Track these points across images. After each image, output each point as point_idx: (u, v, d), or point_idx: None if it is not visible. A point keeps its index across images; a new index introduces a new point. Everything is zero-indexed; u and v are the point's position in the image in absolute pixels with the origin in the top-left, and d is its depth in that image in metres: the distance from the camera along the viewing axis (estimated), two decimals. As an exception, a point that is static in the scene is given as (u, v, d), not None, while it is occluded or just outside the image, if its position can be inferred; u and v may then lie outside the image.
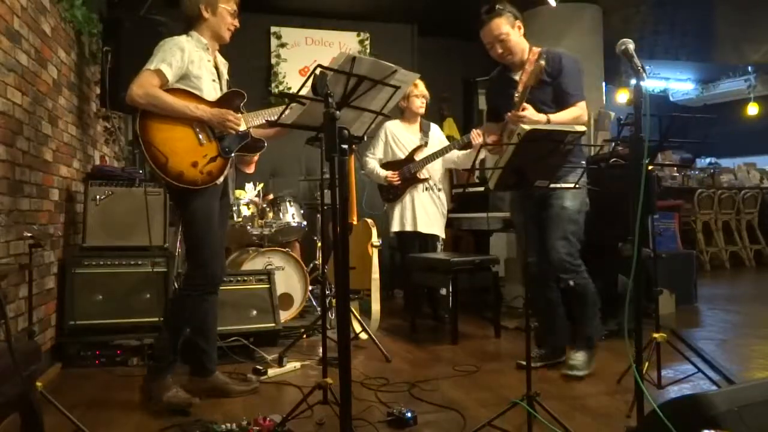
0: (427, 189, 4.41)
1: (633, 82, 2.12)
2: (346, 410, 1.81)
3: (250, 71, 5.95)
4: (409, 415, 2.37)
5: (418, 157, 4.36)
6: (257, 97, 5.53)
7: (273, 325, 3.68)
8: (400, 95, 2.24)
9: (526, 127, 2.28)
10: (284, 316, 4.11)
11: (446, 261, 3.92)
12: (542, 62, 2.83)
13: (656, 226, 3.46)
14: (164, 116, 2.51)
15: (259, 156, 4.56)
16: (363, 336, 3.79)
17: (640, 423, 1.93)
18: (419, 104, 4.39)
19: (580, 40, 6.17)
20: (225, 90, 2.73)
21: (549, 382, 2.95)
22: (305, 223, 4.69)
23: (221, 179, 2.63)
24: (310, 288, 4.44)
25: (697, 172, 9.13)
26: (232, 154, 2.66)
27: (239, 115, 2.64)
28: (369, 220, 4.09)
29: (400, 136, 4.45)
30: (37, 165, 3.08)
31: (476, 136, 4.02)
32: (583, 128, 2.49)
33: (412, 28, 6.66)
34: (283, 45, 6.23)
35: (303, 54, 6.21)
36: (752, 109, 10.62)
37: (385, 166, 4.43)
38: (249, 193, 4.48)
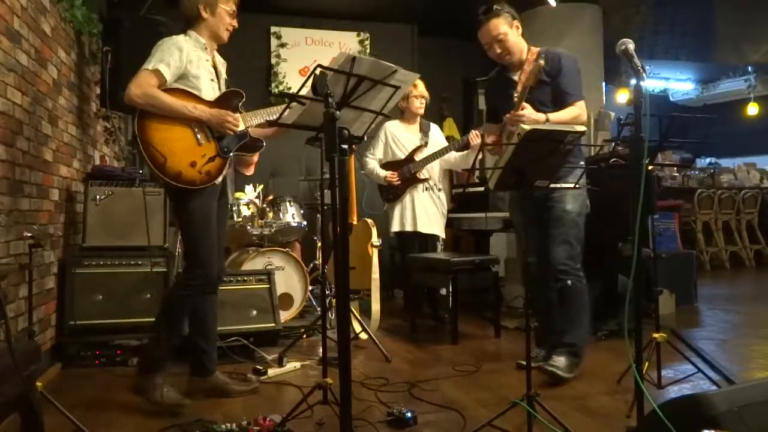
0: (427, 189, 4.42)
1: (633, 82, 2.12)
2: (346, 410, 1.81)
3: (250, 71, 5.95)
4: (409, 415, 2.37)
5: (418, 157, 4.36)
6: (257, 97, 5.53)
7: (273, 325, 3.68)
8: (400, 95, 2.24)
9: (526, 127, 2.28)
10: (284, 316, 4.11)
11: (446, 261, 3.92)
12: (541, 62, 2.82)
13: (656, 226, 3.46)
14: (163, 116, 2.51)
15: (259, 156, 4.61)
16: (363, 336, 3.79)
17: (640, 423, 1.93)
18: (418, 105, 4.39)
19: (580, 40, 6.17)
20: (223, 90, 2.73)
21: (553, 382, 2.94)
22: (305, 223, 4.69)
23: (220, 179, 2.63)
24: (310, 288, 4.44)
25: (697, 172, 9.13)
26: (231, 154, 2.66)
27: (238, 114, 2.64)
28: (369, 220, 4.09)
29: (399, 137, 4.45)
30: (37, 165, 3.08)
31: (474, 137, 4.03)
32: (583, 128, 2.49)
33: (412, 28, 6.66)
34: (283, 45, 6.23)
35: (303, 54, 6.21)
36: (752, 109, 10.63)
37: (385, 166, 4.43)
38: (249, 194, 4.48)
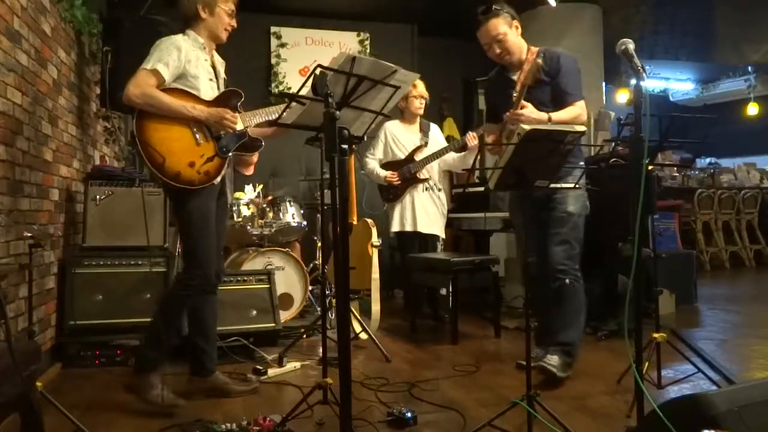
0: (427, 189, 4.42)
1: (633, 82, 2.12)
2: (346, 410, 1.81)
3: (250, 71, 5.95)
4: (409, 415, 2.37)
5: (418, 157, 4.36)
6: (257, 97, 5.53)
7: (273, 325, 3.68)
8: (400, 95, 2.24)
9: (526, 127, 2.28)
10: (284, 316, 4.11)
11: (446, 261, 3.92)
12: (539, 60, 2.82)
13: (656, 226, 3.46)
14: (161, 116, 2.51)
15: (259, 156, 4.61)
16: (363, 336, 3.79)
17: (640, 423, 1.93)
18: (418, 105, 4.39)
19: (580, 40, 6.17)
20: (222, 89, 2.73)
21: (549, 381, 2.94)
22: (305, 223, 4.69)
23: (218, 179, 2.63)
24: (310, 288, 4.44)
25: (697, 172, 9.13)
26: (230, 154, 2.66)
27: (236, 114, 2.64)
28: (369, 220, 4.09)
29: (399, 137, 4.45)
30: (37, 165, 3.08)
31: (471, 139, 4.06)
32: (583, 128, 2.48)
33: (412, 28, 6.66)
34: (283, 45, 6.23)
35: (303, 54, 6.21)
36: (752, 109, 10.63)
37: (385, 166, 4.43)
38: (249, 194, 4.48)
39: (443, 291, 4.40)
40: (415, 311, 4.32)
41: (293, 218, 4.53)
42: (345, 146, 1.91)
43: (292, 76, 6.18)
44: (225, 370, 2.99)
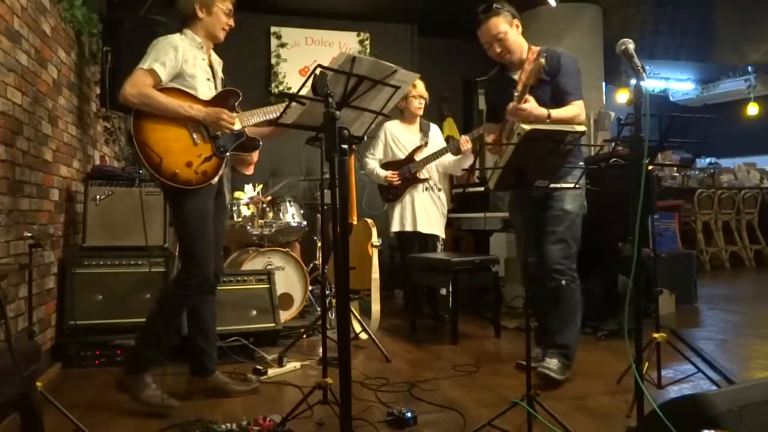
0: (427, 189, 4.42)
1: (633, 82, 2.12)
2: (346, 410, 1.81)
3: (250, 71, 5.96)
4: (409, 415, 2.37)
5: (418, 157, 4.36)
6: (257, 97, 5.53)
7: (273, 325, 3.67)
8: (400, 95, 2.24)
9: (526, 127, 2.28)
10: (284, 316, 4.11)
11: (446, 261, 3.92)
12: (542, 60, 2.82)
13: (656, 226, 3.46)
14: (158, 116, 2.50)
15: (259, 156, 4.61)
16: (363, 336, 3.79)
17: (640, 423, 1.93)
18: (417, 105, 4.39)
19: (580, 40, 6.18)
20: (220, 89, 2.72)
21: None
22: (305, 223, 4.69)
23: (216, 179, 2.62)
24: (310, 288, 4.44)
25: (697, 172, 9.13)
26: (227, 154, 2.65)
27: (234, 114, 2.63)
28: (369, 220, 4.09)
29: (399, 137, 4.45)
30: (37, 165, 3.08)
31: (464, 143, 4.09)
32: (583, 128, 2.49)
33: (412, 28, 6.66)
34: (283, 45, 6.24)
35: (303, 54, 6.21)
36: (752, 109, 10.63)
37: (385, 166, 4.43)
38: (248, 193, 4.48)
39: (443, 291, 4.40)
40: (415, 311, 4.32)
41: (293, 218, 4.53)
42: (345, 146, 1.90)
43: (292, 76, 6.18)
44: (225, 370, 2.99)
